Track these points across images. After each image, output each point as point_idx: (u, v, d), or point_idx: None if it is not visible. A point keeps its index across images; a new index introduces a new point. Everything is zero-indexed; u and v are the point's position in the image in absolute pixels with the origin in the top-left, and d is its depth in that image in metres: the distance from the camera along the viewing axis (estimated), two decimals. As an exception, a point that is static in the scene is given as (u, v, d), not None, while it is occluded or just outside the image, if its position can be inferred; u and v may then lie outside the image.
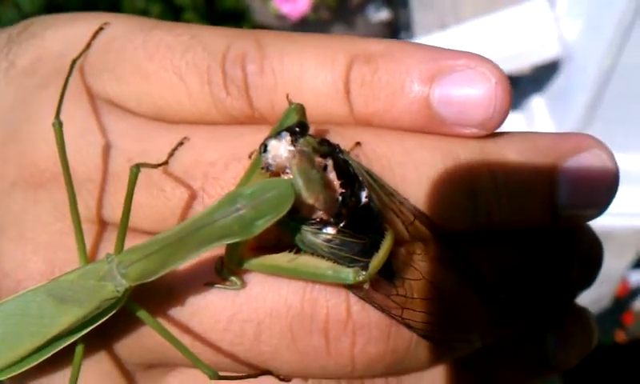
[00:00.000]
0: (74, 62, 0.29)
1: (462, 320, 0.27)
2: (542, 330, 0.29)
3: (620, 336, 1.21)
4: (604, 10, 1.02)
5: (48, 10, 1.99)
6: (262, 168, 0.25)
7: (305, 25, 1.77)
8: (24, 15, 1.97)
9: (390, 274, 0.26)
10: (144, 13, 2.05)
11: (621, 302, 1.20)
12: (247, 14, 1.98)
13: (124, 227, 0.26)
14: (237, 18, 2.06)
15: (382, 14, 1.84)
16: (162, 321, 0.27)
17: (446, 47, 0.27)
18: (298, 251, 0.26)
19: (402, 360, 0.27)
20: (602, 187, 0.27)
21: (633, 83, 1.03)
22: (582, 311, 0.30)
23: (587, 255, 0.29)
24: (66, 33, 0.31)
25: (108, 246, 0.27)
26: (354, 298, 0.26)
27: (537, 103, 1.26)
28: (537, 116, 1.25)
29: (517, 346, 0.29)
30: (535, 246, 0.28)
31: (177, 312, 0.27)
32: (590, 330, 0.29)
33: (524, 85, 1.27)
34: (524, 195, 0.27)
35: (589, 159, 0.27)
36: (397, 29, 1.91)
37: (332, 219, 0.25)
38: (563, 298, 0.29)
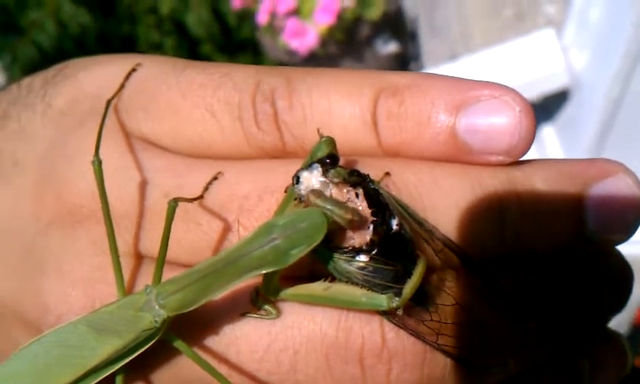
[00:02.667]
0: (108, 102, 0.30)
1: (497, 345, 0.27)
2: (576, 355, 0.29)
3: (639, 362, 1.19)
4: (611, 39, 1.03)
5: (65, 46, 2.02)
6: (295, 199, 0.26)
7: (314, 60, 1.79)
8: (43, 52, 2.00)
9: (423, 299, 0.26)
10: (158, 46, 2.07)
11: (639, 328, 1.19)
12: (260, 46, 2.00)
13: (162, 260, 0.27)
14: (253, 49, 2.07)
15: (391, 47, 1.85)
16: (198, 351, 0.27)
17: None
18: (332, 280, 0.26)
19: None
20: (629, 211, 0.28)
21: (642, 111, 1.03)
22: (615, 335, 0.30)
23: (617, 278, 0.29)
24: (100, 74, 0.32)
25: (145, 278, 0.28)
26: (388, 326, 0.26)
27: (547, 132, 1.27)
28: (547, 145, 1.26)
29: (551, 372, 0.29)
30: (564, 269, 0.28)
31: (213, 342, 0.27)
32: (625, 353, 0.29)
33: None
34: (551, 220, 0.27)
35: (615, 184, 0.28)
36: (406, 61, 1.93)
37: (364, 247, 0.26)
38: (595, 321, 0.29)
